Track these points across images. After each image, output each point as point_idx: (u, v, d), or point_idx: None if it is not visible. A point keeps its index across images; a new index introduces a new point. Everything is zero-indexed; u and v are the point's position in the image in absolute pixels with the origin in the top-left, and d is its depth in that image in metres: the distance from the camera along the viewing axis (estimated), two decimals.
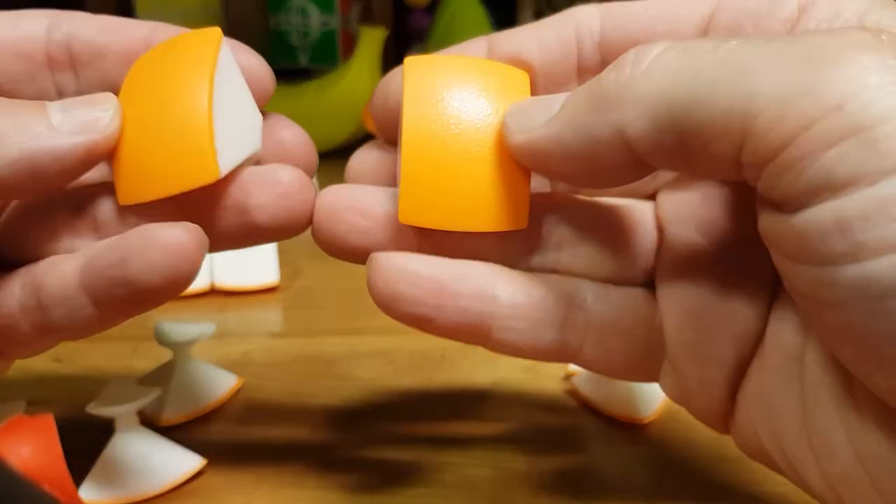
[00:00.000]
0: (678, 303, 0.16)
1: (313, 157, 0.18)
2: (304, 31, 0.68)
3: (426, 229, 0.16)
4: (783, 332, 0.15)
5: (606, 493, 0.20)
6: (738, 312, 0.15)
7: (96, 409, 0.20)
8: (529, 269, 0.17)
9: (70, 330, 0.16)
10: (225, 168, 0.16)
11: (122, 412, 0.20)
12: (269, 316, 0.32)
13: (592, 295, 0.16)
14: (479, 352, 0.28)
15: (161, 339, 0.24)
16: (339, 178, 0.57)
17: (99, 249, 0.15)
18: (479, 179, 0.15)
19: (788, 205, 0.12)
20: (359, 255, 0.16)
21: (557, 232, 0.17)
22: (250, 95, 0.18)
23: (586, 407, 0.24)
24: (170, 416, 0.23)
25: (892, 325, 0.11)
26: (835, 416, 0.13)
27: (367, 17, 0.68)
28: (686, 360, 0.16)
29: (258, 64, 0.18)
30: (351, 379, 0.26)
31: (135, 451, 0.20)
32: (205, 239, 0.15)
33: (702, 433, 0.22)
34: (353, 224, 0.16)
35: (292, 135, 0.18)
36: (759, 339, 0.15)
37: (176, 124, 0.16)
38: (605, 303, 0.16)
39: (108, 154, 0.16)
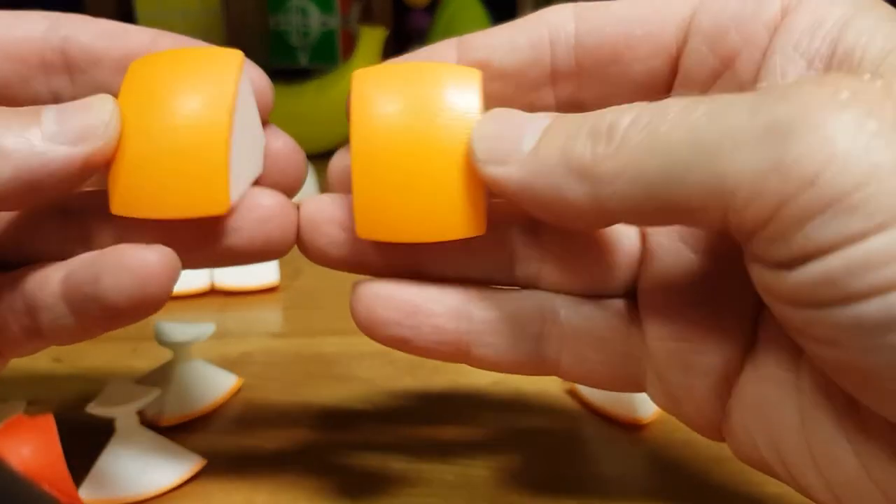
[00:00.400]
0: (661, 312, 0.16)
1: (302, 169, 0.18)
2: (303, 31, 0.68)
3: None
4: (776, 341, 0.15)
5: (606, 493, 0.20)
6: (724, 321, 0.15)
7: (96, 409, 0.20)
8: (513, 281, 0.17)
9: (55, 336, 0.16)
10: (234, 200, 0.16)
11: (122, 412, 0.20)
12: (269, 316, 0.32)
13: (565, 309, 0.16)
14: None
15: (161, 339, 0.24)
16: None
17: (78, 264, 0.16)
18: (431, 189, 0.15)
19: (782, 265, 0.12)
20: (341, 264, 0.17)
21: (539, 244, 0.17)
22: (258, 117, 0.17)
23: (586, 407, 0.24)
24: (169, 416, 0.23)
25: (888, 359, 0.11)
26: (838, 427, 0.13)
27: (367, 17, 0.68)
28: (671, 370, 0.16)
29: (262, 80, 0.17)
30: (351, 379, 0.26)
31: (134, 452, 0.20)
32: (177, 264, 0.15)
33: (701, 435, 0.22)
34: (332, 236, 0.16)
35: (283, 145, 0.18)
36: (748, 347, 0.15)
37: (191, 150, 0.15)
38: (578, 315, 0.16)
39: (107, 161, 0.15)
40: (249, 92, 0.17)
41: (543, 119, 0.14)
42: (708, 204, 0.12)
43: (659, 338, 0.16)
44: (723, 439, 0.16)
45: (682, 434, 0.22)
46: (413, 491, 0.20)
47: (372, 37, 0.56)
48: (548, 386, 0.25)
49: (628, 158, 0.13)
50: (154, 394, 0.21)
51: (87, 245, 0.17)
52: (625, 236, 0.17)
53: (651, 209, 0.13)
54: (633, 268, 0.17)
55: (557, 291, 0.17)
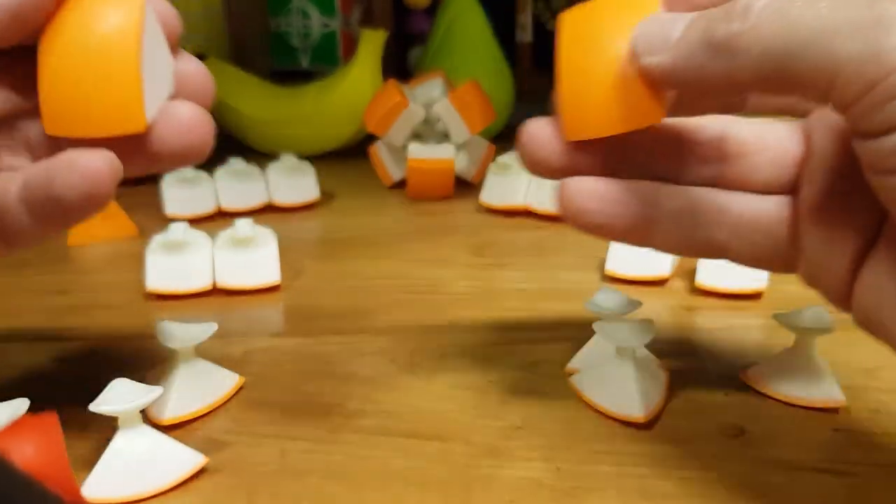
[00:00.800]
0: (815, 205, 0.19)
1: (210, 86, 0.21)
2: (304, 33, 0.68)
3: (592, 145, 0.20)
4: (893, 232, 0.18)
5: (603, 491, 0.20)
6: (860, 215, 0.18)
7: (99, 408, 0.20)
8: (700, 179, 0.20)
9: (17, 239, 0.19)
10: (150, 117, 0.19)
11: (125, 411, 0.20)
12: (271, 315, 0.32)
13: (739, 203, 0.20)
14: (478, 351, 0.28)
15: (163, 338, 0.24)
16: (342, 177, 0.57)
17: (33, 171, 0.18)
18: (618, 91, 0.19)
19: (866, 135, 0.15)
20: (556, 171, 0.20)
21: (723, 148, 0.20)
22: (166, 42, 0.20)
23: (584, 405, 0.24)
24: (172, 414, 0.23)
25: None
26: None
27: (368, 19, 0.68)
28: (817, 253, 0.19)
29: (167, 10, 0.20)
30: (351, 377, 0.26)
31: (137, 450, 0.21)
32: (119, 166, 0.18)
33: (697, 432, 0.23)
34: (550, 147, 0.20)
35: (191, 67, 0.21)
36: (875, 237, 0.18)
37: (105, 75, 0.18)
38: (751, 208, 0.20)
39: (35, 29, 0.18)
40: (154, 20, 0.19)
41: (691, 14, 0.17)
42: (818, 79, 0.15)
43: (812, 226, 0.19)
44: (849, 309, 0.19)
45: (680, 431, 0.23)
46: (412, 488, 0.20)
47: (372, 39, 0.56)
48: (546, 384, 0.25)
49: (759, 35, 0.15)
50: (156, 393, 0.21)
51: (32, 157, 0.20)
52: (792, 142, 0.20)
53: (773, 80, 0.16)
54: (796, 168, 0.20)
55: (734, 188, 0.20)
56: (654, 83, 0.18)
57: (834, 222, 0.19)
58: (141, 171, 0.20)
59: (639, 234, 0.20)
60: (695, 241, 0.20)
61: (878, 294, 0.18)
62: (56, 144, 0.19)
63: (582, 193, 0.20)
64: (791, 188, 0.20)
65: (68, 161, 0.18)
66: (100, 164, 0.18)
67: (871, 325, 0.18)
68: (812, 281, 0.20)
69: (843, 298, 0.19)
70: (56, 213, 0.18)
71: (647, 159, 0.20)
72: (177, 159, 0.20)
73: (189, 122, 0.19)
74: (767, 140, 0.20)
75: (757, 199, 0.20)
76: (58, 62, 0.18)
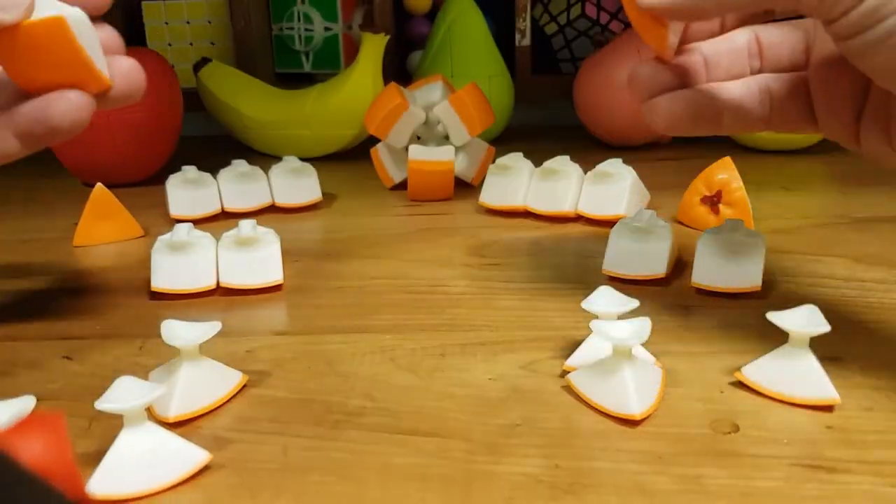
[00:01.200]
0: (820, 76, 0.26)
1: (121, 41, 0.27)
2: (307, 37, 0.69)
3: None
4: (877, 90, 0.25)
5: (601, 487, 0.20)
6: (850, 80, 0.25)
7: (105, 406, 0.20)
8: (750, 71, 0.27)
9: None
10: (108, 75, 0.26)
11: (130, 408, 0.21)
12: (273, 314, 0.32)
13: (775, 82, 0.27)
14: (478, 349, 0.28)
15: (168, 337, 0.24)
16: (344, 179, 0.58)
17: (28, 105, 0.25)
18: (641, 20, 0.24)
19: (829, 22, 0.22)
20: (659, 89, 0.27)
21: (758, 43, 0.27)
22: (87, 18, 0.25)
23: (582, 403, 0.24)
24: (176, 412, 0.24)
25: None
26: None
27: (369, 24, 0.69)
28: (826, 106, 0.26)
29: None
30: (353, 376, 0.26)
31: (142, 447, 0.21)
32: (93, 101, 0.25)
33: (693, 430, 0.23)
34: (652, 78, 0.27)
35: (107, 33, 0.27)
36: (865, 96, 0.25)
37: (66, 68, 0.24)
38: (783, 83, 0.27)
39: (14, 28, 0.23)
40: (78, 17, 0.24)
41: None
42: (796, 5, 0.22)
43: (820, 91, 0.26)
44: (858, 146, 0.26)
45: (676, 428, 0.23)
46: (411, 485, 0.21)
47: (374, 42, 0.56)
48: (544, 382, 0.26)
49: None
50: (161, 390, 0.21)
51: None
52: (802, 32, 0.27)
53: (760, 5, 0.22)
54: (806, 51, 0.27)
55: (773, 71, 0.27)
56: (654, 16, 0.24)
57: (832, 88, 0.26)
58: (99, 108, 0.26)
59: (712, 124, 0.27)
60: (752, 120, 0.27)
61: (875, 135, 0.25)
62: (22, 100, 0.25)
63: (672, 103, 0.26)
64: (804, 66, 0.27)
65: (60, 95, 0.25)
66: (83, 99, 0.25)
67: (875, 158, 0.26)
68: (830, 134, 0.27)
69: (853, 143, 0.26)
70: (46, 135, 0.25)
71: (709, 67, 0.27)
72: (123, 98, 0.27)
73: (129, 71, 0.26)
74: (786, 33, 0.27)
75: (783, 78, 0.27)
76: (26, 72, 0.24)
